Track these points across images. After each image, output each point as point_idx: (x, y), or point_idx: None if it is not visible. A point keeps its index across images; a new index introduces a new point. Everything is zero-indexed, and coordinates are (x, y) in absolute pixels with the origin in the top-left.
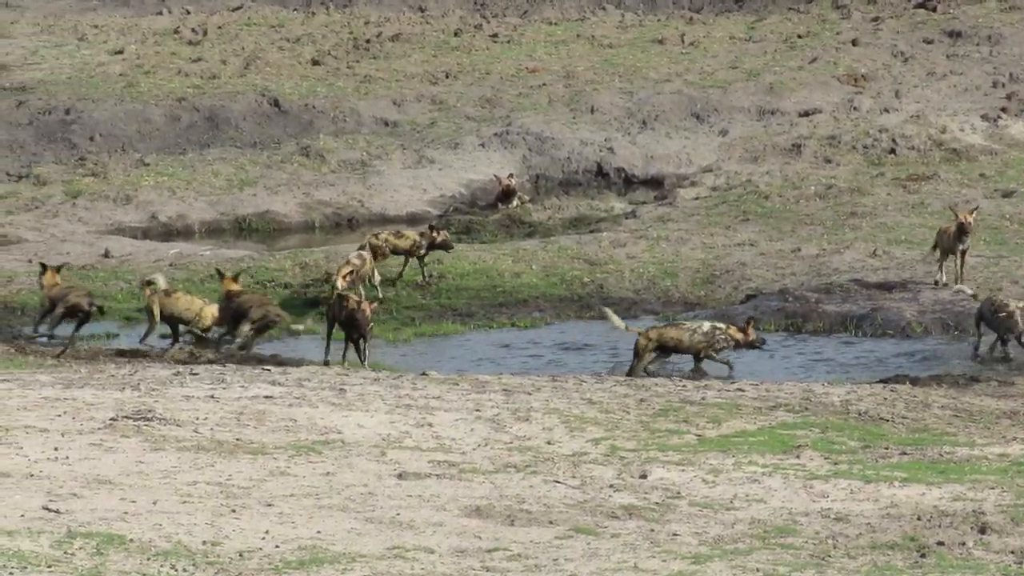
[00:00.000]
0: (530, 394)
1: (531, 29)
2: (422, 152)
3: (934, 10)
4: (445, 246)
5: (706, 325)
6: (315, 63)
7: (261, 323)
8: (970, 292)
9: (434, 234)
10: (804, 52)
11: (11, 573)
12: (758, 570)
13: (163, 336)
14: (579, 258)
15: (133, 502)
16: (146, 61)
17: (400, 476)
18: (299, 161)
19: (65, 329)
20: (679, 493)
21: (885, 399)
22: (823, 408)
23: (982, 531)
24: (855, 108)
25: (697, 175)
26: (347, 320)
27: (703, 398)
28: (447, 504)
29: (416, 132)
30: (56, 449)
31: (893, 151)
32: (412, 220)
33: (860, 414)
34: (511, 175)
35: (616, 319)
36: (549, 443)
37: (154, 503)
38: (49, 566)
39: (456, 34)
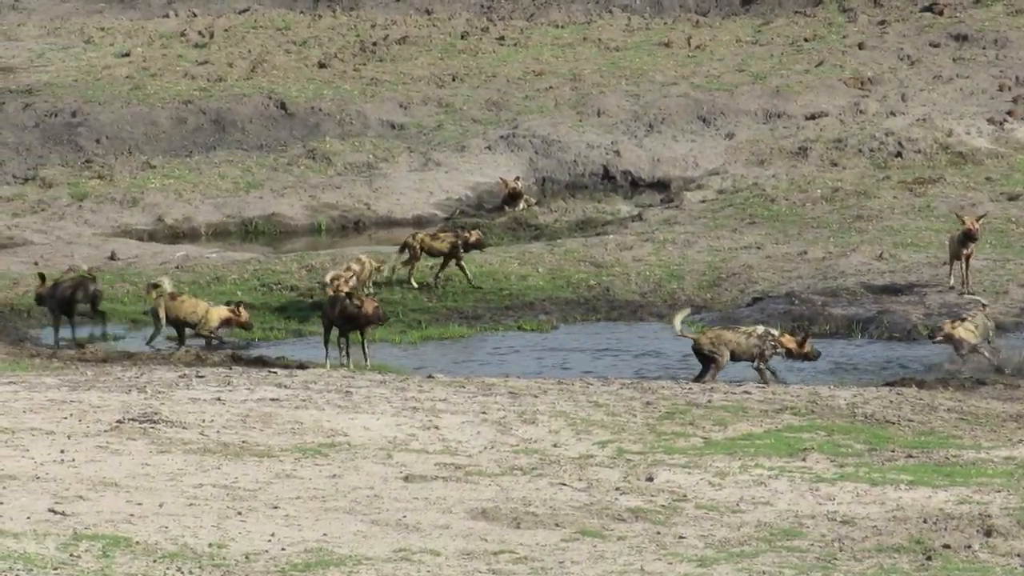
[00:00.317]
0: (536, 397)
1: (537, 32)
2: (428, 155)
3: (940, 14)
4: (479, 245)
5: (760, 328)
6: (321, 66)
7: None
8: (984, 302)
9: (467, 234)
10: (810, 55)
11: (17, 575)
12: (764, 573)
13: (170, 338)
14: (585, 261)
15: (139, 504)
16: (152, 64)
17: (406, 478)
18: (305, 164)
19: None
20: (685, 496)
21: (891, 402)
22: (829, 411)
23: (988, 534)
24: (861, 111)
25: (703, 178)
26: (341, 317)
27: (709, 401)
28: (453, 506)
29: (422, 135)
30: (62, 451)
31: (899, 154)
32: (418, 223)
33: (866, 417)
34: (517, 178)
35: (678, 323)
36: (555, 446)
37: (160, 505)
38: (55, 568)
39: (462, 37)
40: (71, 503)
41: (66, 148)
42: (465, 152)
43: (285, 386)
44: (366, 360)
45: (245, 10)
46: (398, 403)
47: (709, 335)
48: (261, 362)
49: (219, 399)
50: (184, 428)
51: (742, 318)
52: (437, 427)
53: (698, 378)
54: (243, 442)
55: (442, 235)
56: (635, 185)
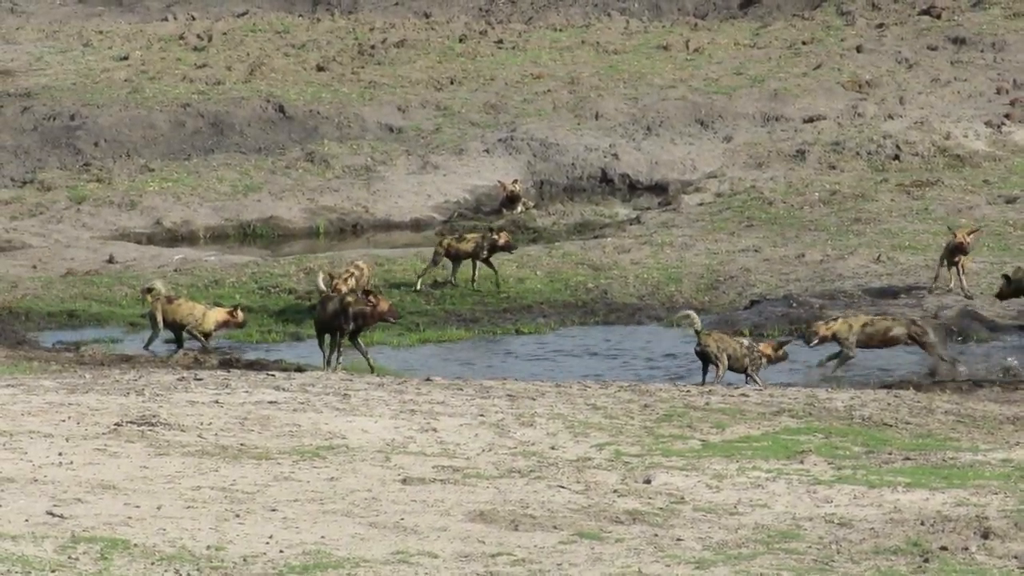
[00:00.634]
0: (534, 399)
1: (536, 35)
2: (427, 158)
3: (938, 17)
4: (508, 247)
5: (745, 340)
6: (320, 69)
7: None
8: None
9: (495, 236)
10: (808, 58)
11: None
12: (762, 575)
13: (168, 341)
14: (583, 264)
15: (137, 507)
16: (151, 67)
17: (404, 481)
18: (304, 167)
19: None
20: (683, 498)
21: (889, 404)
22: (827, 413)
23: (985, 536)
24: (859, 114)
25: (701, 181)
26: (333, 318)
27: (707, 403)
28: (451, 509)
29: (421, 138)
30: (60, 454)
31: (897, 157)
32: (416, 226)
33: (864, 419)
34: (515, 181)
35: (697, 320)
36: (553, 448)
37: (158, 508)
38: (53, 571)
39: (461, 40)
40: (69, 505)
41: (64, 151)
42: (463, 155)
43: (283, 389)
44: (370, 363)
45: (243, 13)
46: (396, 406)
47: (714, 337)
48: (259, 365)
49: (217, 402)
50: (182, 431)
51: (740, 321)
52: (435, 429)
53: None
54: (241, 445)
55: (468, 236)
56: (633, 188)
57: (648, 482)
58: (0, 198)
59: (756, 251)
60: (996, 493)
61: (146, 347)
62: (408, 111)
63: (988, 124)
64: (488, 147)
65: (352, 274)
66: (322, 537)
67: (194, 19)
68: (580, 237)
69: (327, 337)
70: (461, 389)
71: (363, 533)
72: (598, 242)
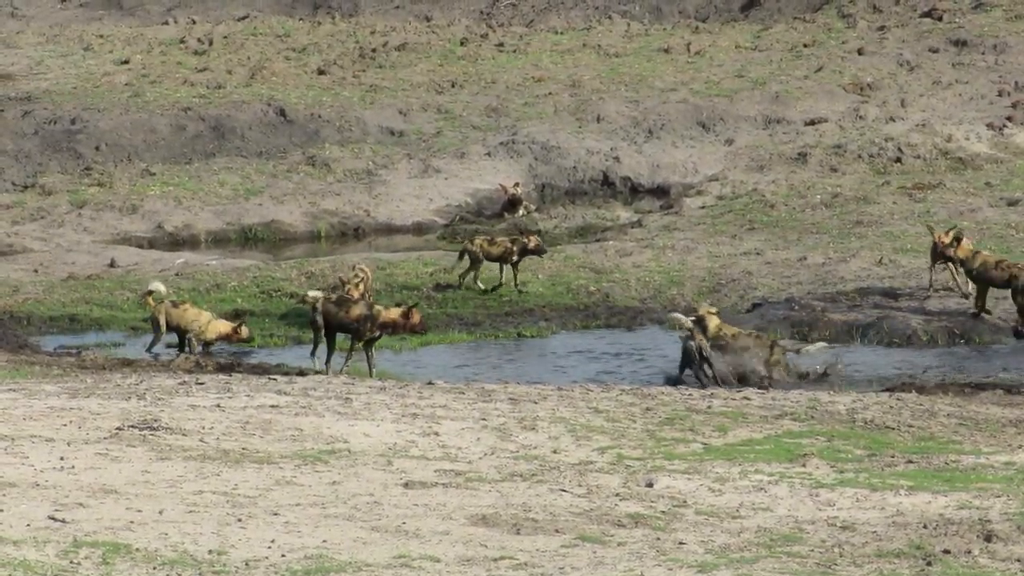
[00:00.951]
0: (536, 403)
1: (537, 38)
2: (428, 161)
3: (940, 19)
4: (538, 251)
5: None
6: (321, 72)
7: None
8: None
9: (526, 240)
10: (810, 61)
11: None
12: None
13: (169, 345)
14: (585, 267)
15: (139, 511)
16: (152, 71)
17: (406, 485)
18: (305, 170)
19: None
20: (685, 501)
21: (891, 407)
22: (829, 416)
23: (988, 539)
24: (861, 117)
25: (703, 184)
26: (356, 322)
27: (709, 407)
28: (453, 513)
29: (422, 141)
30: (62, 458)
31: (899, 160)
32: (418, 230)
33: (866, 422)
34: (517, 184)
35: (684, 320)
36: (555, 452)
37: (160, 512)
38: (55, 575)
39: (462, 43)
40: (71, 510)
41: (65, 155)
42: (465, 158)
43: (285, 393)
44: (372, 370)
45: (244, 17)
46: (398, 409)
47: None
48: (260, 369)
49: (219, 406)
50: (184, 435)
51: (742, 324)
52: (437, 433)
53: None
54: (243, 449)
55: (499, 240)
56: (635, 191)
57: (650, 485)
58: (1, 202)
59: (758, 254)
60: (999, 496)
61: (148, 350)
62: (409, 114)
63: (990, 126)
64: (489, 150)
65: (361, 278)
66: (324, 541)
67: (195, 23)
68: (582, 240)
69: (333, 339)
70: (463, 393)
71: (365, 537)
72: (600, 245)
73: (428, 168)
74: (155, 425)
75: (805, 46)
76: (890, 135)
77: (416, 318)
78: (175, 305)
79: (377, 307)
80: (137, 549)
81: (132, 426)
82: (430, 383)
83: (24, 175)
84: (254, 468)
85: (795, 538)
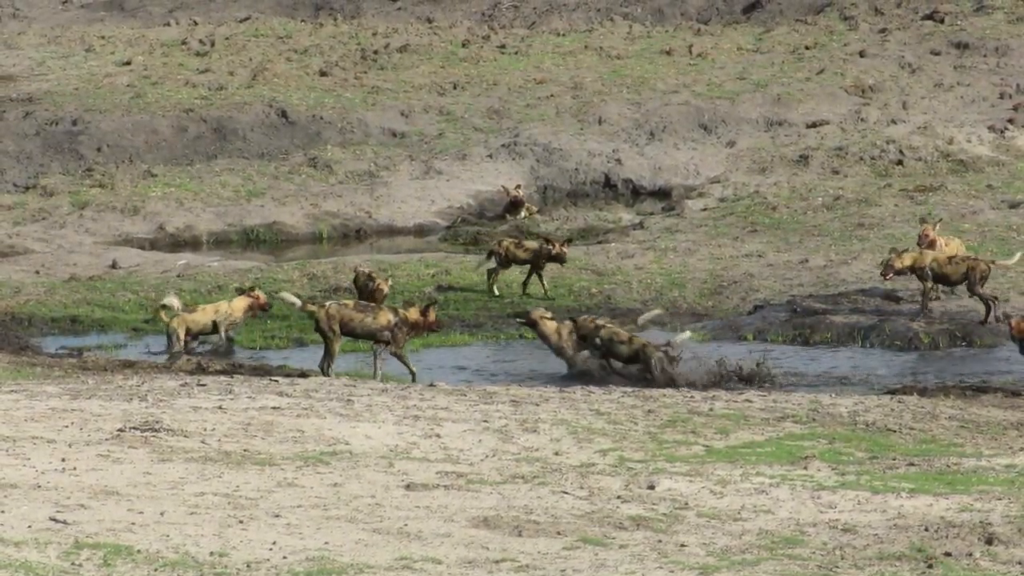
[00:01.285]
0: (538, 405)
1: (539, 40)
2: (430, 163)
3: (941, 22)
4: (559, 259)
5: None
6: (323, 74)
7: None
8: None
9: (550, 245)
10: (811, 63)
11: None
12: None
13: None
14: (587, 269)
15: (140, 513)
16: (153, 72)
17: (408, 487)
18: (307, 172)
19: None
20: (687, 504)
21: (892, 410)
22: (830, 419)
23: (989, 542)
24: (862, 119)
25: (705, 186)
26: (384, 329)
27: (711, 409)
28: (455, 515)
29: (424, 143)
30: (63, 460)
31: (900, 162)
32: (420, 231)
33: (867, 425)
34: (519, 186)
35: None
36: (557, 454)
37: (161, 514)
38: None
39: (464, 45)
40: (72, 512)
41: (67, 156)
42: (466, 160)
43: (286, 394)
44: (377, 372)
45: (246, 18)
46: (400, 411)
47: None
48: (262, 370)
49: (220, 407)
50: (185, 436)
51: (743, 326)
52: (439, 435)
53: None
54: (244, 450)
55: (526, 243)
56: (636, 193)
57: (652, 488)
58: (3, 203)
59: (760, 256)
60: (1000, 499)
61: (169, 361)
62: (411, 116)
63: (991, 129)
64: (491, 152)
65: (389, 275)
66: (325, 543)
67: (196, 24)
68: (583, 242)
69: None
70: (464, 395)
71: (366, 539)
72: (601, 247)
73: (430, 170)
74: (157, 427)
75: (807, 48)
76: (892, 137)
77: (432, 316)
78: (191, 311)
79: (400, 310)
80: (138, 551)
81: (134, 427)
82: (432, 385)
83: (26, 176)
84: (256, 470)
85: (796, 540)
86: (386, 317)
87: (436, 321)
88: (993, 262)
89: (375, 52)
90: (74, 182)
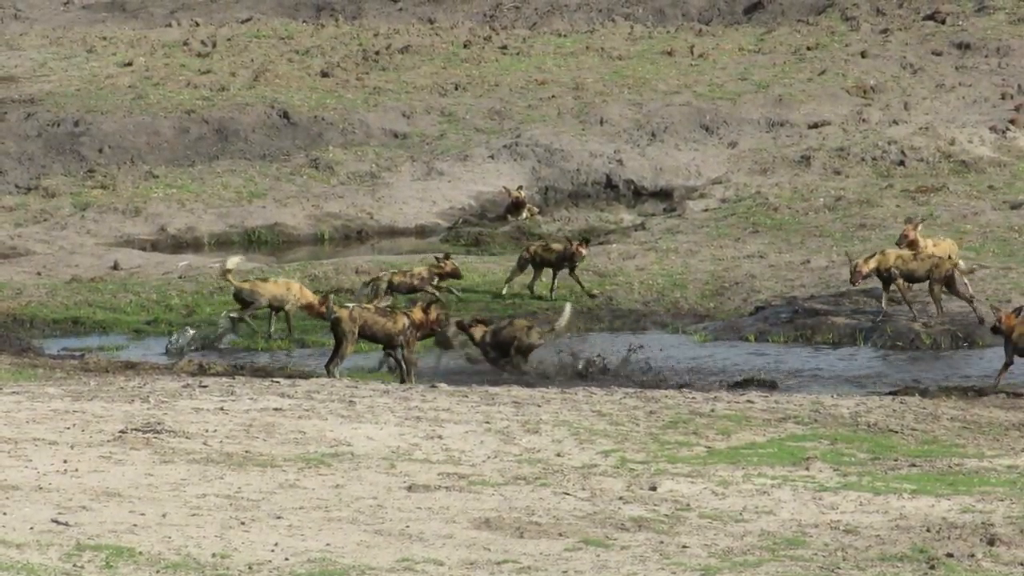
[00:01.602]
0: (539, 406)
1: (540, 41)
2: (431, 164)
3: (943, 22)
4: (573, 259)
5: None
6: (324, 75)
7: None
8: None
9: (573, 246)
10: (813, 64)
11: None
12: None
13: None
14: (588, 270)
15: (142, 515)
16: (155, 73)
17: (410, 488)
18: (308, 173)
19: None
20: (688, 505)
21: (894, 411)
22: (832, 420)
23: (991, 543)
24: (864, 120)
25: (706, 187)
26: (401, 333)
27: (712, 410)
28: (456, 516)
29: (425, 144)
30: (65, 462)
31: (902, 163)
32: (421, 233)
33: (869, 426)
34: (520, 187)
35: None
36: (559, 455)
37: (163, 516)
38: None
39: (465, 46)
40: (74, 513)
41: (69, 158)
42: (468, 161)
43: (288, 396)
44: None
45: (247, 19)
46: (401, 413)
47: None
48: (264, 372)
49: (222, 409)
50: (187, 438)
51: (745, 327)
52: (440, 437)
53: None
54: (246, 452)
55: (553, 246)
56: (638, 194)
57: (653, 489)
58: (4, 205)
59: (761, 257)
60: (1002, 500)
61: (235, 326)
62: (413, 117)
63: (993, 129)
64: (493, 153)
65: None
66: (327, 545)
67: (198, 25)
68: (530, 244)
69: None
70: (466, 396)
71: (368, 540)
72: (603, 248)
73: (431, 171)
74: (158, 428)
75: (808, 49)
76: (893, 138)
77: (434, 315)
78: (264, 280)
79: (410, 313)
80: (140, 552)
81: (135, 429)
82: (433, 386)
83: (27, 177)
84: (257, 471)
85: (798, 542)
86: (403, 321)
87: (438, 320)
88: (956, 265)
89: (376, 53)
90: (75, 183)
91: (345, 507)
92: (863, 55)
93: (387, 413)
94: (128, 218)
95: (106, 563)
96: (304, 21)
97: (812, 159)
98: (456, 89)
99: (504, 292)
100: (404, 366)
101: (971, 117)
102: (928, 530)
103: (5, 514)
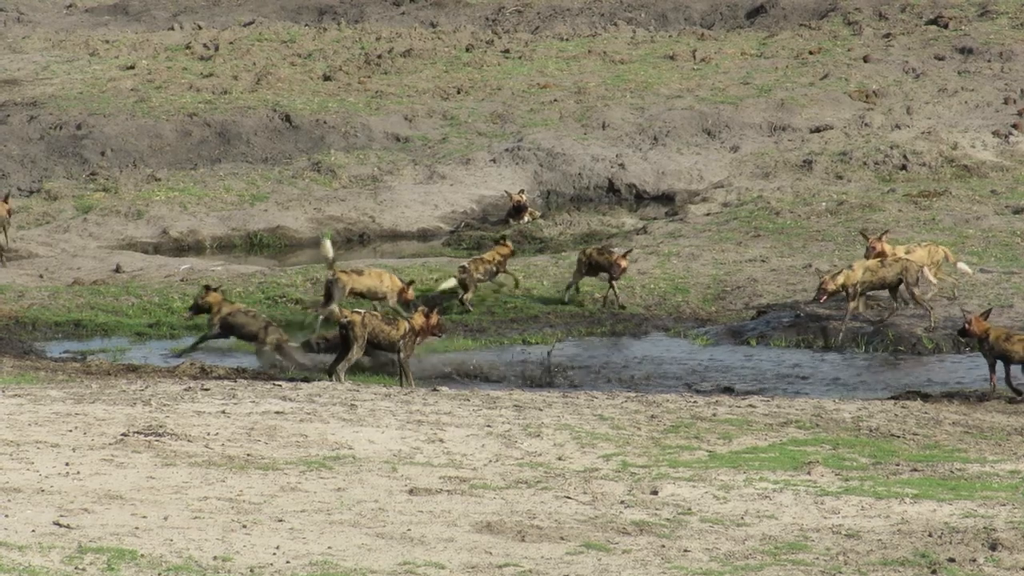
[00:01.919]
0: (541, 410)
1: (542, 45)
2: (433, 168)
3: (945, 27)
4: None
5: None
6: (326, 79)
7: None
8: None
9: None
10: (815, 68)
11: None
12: None
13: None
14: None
15: (144, 517)
16: (157, 76)
17: (411, 492)
18: (310, 176)
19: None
20: (690, 509)
21: (896, 415)
22: (834, 424)
23: (993, 548)
24: (866, 124)
25: (708, 191)
26: (402, 339)
27: (714, 414)
28: (458, 520)
29: (427, 148)
30: (67, 464)
31: (904, 167)
32: (423, 236)
33: (871, 430)
34: (522, 191)
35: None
36: (560, 459)
37: (165, 518)
38: None
39: (467, 50)
40: (76, 516)
41: (71, 161)
42: (470, 165)
43: (290, 399)
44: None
45: (250, 23)
46: (403, 416)
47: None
48: (265, 375)
49: (224, 412)
50: (189, 441)
51: (747, 331)
52: (442, 440)
53: None
54: (248, 455)
55: (613, 250)
56: (640, 198)
57: (655, 493)
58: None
59: (763, 261)
60: (1004, 504)
61: (319, 314)
62: (415, 121)
63: (995, 134)
64: (495, 157)
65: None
66: (329, 548)
67: (200, 28)
68: (587, 247)
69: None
70: (468, 399)
71: (370, 544)
72: None
73: (433, 174)
74: (160, 431)
75: (811, 53)
76: (895, 143)
77: (435, 319)
78: (359, 273)
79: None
80: (142, 555)
81: (137, 432)
82: (435, 389)
83: (30, 180)
84: (259, 474)
85: (800, 546)
86: (404, 327)
87: (439, 325)
88: (921, 268)
89: (379, 57)
90: (78, 186)
91: (347, 510)
92: (865, 59)
93: (388, 416)
94: (130, 221)
95: (108, 566)
96: (306, 25)
97: (814, 163)
98: (458, 93)
99: (566, 298)
100: (403, 370)
101: (974, 121)
102: (930, 535)
103: (7, 516)
